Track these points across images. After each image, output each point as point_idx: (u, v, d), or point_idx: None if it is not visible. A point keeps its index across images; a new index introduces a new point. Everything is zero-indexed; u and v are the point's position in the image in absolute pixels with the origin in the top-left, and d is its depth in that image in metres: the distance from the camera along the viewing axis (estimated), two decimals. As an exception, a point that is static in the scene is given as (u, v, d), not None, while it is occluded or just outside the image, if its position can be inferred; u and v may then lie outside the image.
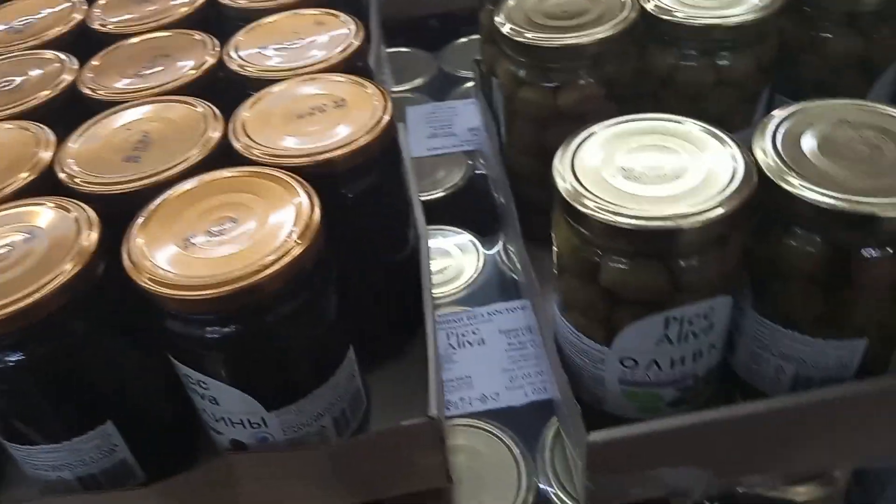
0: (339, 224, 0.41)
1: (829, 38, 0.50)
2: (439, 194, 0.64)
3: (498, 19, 0.50)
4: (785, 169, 0.35)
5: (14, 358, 0.34)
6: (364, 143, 0.40)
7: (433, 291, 0.56)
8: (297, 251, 0.35)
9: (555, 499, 0.43)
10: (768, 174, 0.35)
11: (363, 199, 0.42)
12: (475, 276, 0.57)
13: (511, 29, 0.49)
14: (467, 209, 0.64)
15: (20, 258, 0.35)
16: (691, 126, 0.39)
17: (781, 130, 0.37)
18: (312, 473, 0.41)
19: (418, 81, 0.78)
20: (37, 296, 0.33)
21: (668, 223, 0.34)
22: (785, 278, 0.37)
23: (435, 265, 0.58)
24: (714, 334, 0.39)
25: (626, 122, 0.40)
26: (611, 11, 0.49)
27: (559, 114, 0.49)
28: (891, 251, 0.34)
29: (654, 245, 0.35)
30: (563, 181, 0.36)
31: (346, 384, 0.41)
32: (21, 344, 0.34)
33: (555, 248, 0.40)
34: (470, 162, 0.67)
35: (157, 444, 0.42)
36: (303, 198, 0.37)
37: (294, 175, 0.38)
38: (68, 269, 0.34)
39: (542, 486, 0.44)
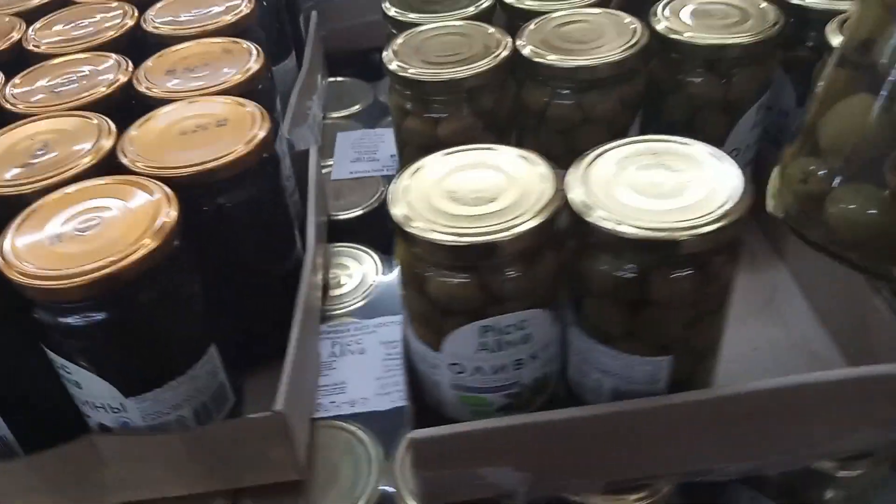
0: (211, 231, 0.46)
1: (692, 81, 0.54)
2: (353, 214, 0.69)
3: (386, 55, 0.54)
4: (588, 202, 0.39)
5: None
6: (234, 157, 0.45)
7: (330, 304, 0.60)
8: (147, 247, 0.39)
9: (398, 499, 0.46)
10: (572, 206, 0.39)
11: (234, 210, 0.46)
12: (371, 290, 0.61)
13: (397, 65, 0.53)
14: (379, 229, 0.68)
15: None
16: (508, 151, 0.43)
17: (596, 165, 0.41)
18: (170, 459, 0.44)
19: (355, 108, 0.83)
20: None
21: (478, 239, 0.38)
22: (595, 297, 0.41)
23: (336, 279, 0.62)
24: (533, 345, 0.42)
25: (454, 153, 0.44)
26: (487, 50, 0.53)
27: (441, 143, 0.54)
28: (682, 273, 0.38)
29: (467, 260, 0.38)
30: (395, 207, 0.40)
31: (206, 379, 0.45)
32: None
33: (396, 264, 0.44)
34: (383, 187, 0.71)
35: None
36: (163, 202, 0.41)
37: (158, 183, 0.42)
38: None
39: (389, 487, 0.47)
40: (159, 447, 0.44)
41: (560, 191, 0.40)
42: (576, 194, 0.39)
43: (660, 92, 0.55)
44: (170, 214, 0.41)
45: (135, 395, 0.42)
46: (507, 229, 0.38)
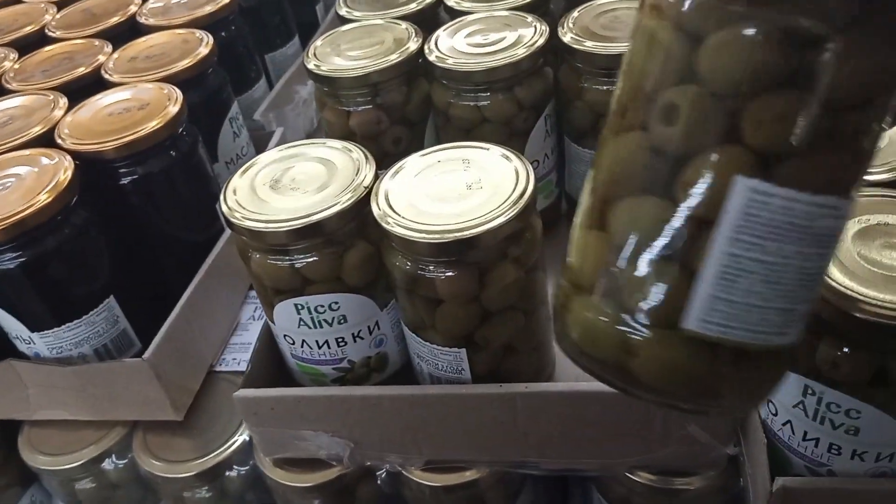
0: (123, 199, 0.54)
1: (591, 88, 0.55)
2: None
3: (308, 54, 0.59)
4: (389, 211, 0.42)
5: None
6: (134, 137, 0.52)
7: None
8: (43, 202, 0.47)
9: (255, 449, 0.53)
10: (374, 213, 0.42)
11: (140, 180, 0.54)
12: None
13: (314, 64, 0.58)
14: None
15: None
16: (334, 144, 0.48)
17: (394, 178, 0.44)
18: (71, 388, 0.53)
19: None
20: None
21: (282, 226, 0.42)
22: (399, 290, 0.44)
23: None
24: (352, 326, 0.46)
25: (286, 148, 0.49)
26: (396, 47, 0.57)
27: (354, 134, 0.58)
28: (459, 273, 0.41)
29: (278, 244, 0.43)
30: (225, 202, 0.45)
31: (105, 325, 0.53)
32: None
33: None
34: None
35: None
36: (63, 167, 0.50)
37: (62, 153, 0.51)
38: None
39: (255, 435, 0.53)
40: (59, 377, 0.52)
41: (366, 185, 0.43)
42: (377, 202, 0.43)
43: (567, 98, 0.57)
44: (65, 176, 0.49)
45: (39, 330, 0.51)
46: (307, 216, 0.42)
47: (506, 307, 0.43)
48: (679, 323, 0.24)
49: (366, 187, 0.43)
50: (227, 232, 0.60)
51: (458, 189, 0.42)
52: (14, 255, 0.48)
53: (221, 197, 0.45)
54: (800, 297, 0.25)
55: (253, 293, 0.64)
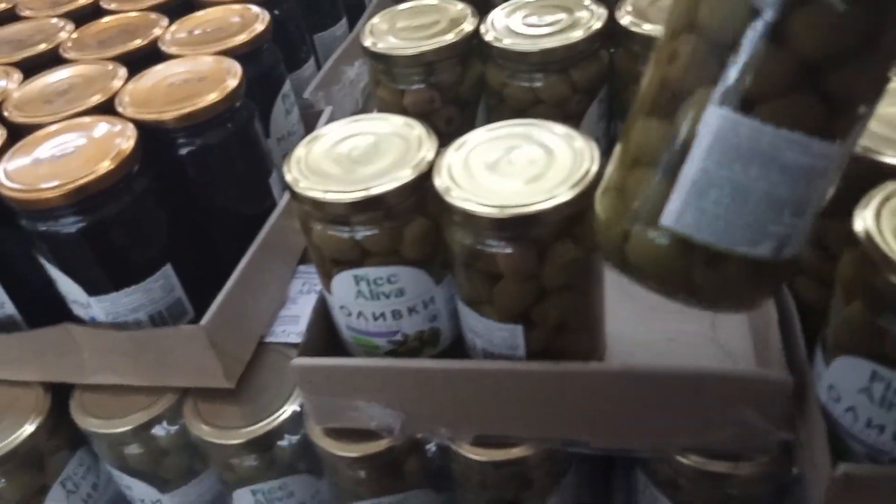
0: (181, 169, 0.54)
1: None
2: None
3: (364, 31, 0.60)
4: (452, 185, 0.42)
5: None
6: (194, 108, 0.53)
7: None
8: (105, 169, 0.48)
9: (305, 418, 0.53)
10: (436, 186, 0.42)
11: (196, 153, 0.54)
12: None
13: (370, 42, 0.58)
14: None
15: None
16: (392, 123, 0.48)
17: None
18: (125, 353, 0.54)
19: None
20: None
21: (344, 197, 0.43)
22: (458, 265, 0.45)
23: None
24: (409, 300, 0.47)
25: (349, 123, 0.49)
26: (448, 28, 0.57)
27: (407, 113, 0.59)
28: (520, 249, 0.41)
29: (339, 215, 0.44)
30: (287, 173, 0.46)
31: (161, 292, 0.54)
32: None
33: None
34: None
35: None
36: (126, 135, 0.50)
37: (125, 120, 0.52)
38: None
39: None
40: (114, 341, 0.53)
41: (428, 159, 0.44)
42: (440, 175, 0.43)
43: (622, 82, 0.57)
44: (127, 144, 0.50)
45: (96, 295, 0.52)
46: (369, 189, 0.43)
47: (564, 285, 0.43)
48: (659, 220, 0.30)
49: (428, 162, 0.44)
50: (280, 206, 0.61)
51: (521, 165, 0.42)
52: (75, 219, 0.49)
53: (285, 166, 0.45)
54: (768, 218, 0.29)
55: (302, 267, 0.65)
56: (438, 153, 0.45)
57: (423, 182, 0.44)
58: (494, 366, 0.46)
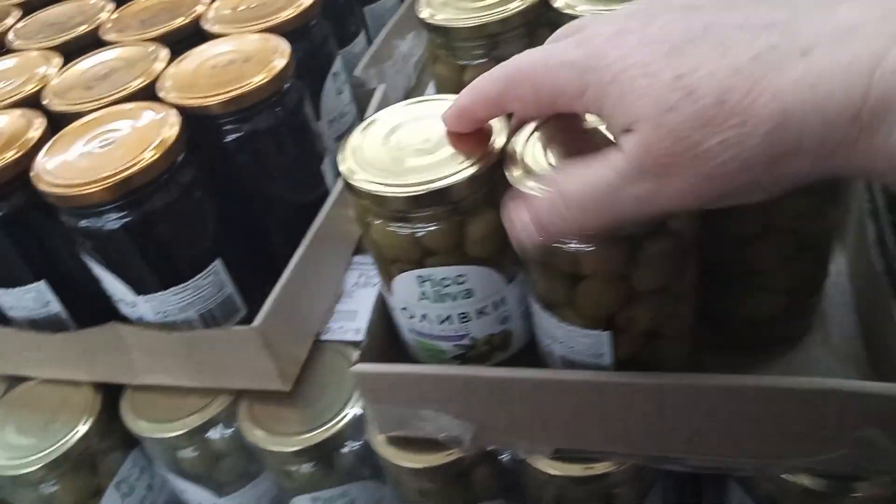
0: (227, 157, 0.50)
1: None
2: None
3: (421, 3, 0.54)
4: (526, 176, 0.36)
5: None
6: (238, 92, 0.49)
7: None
8: (148, 160, 0.44)
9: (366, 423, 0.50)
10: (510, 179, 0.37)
11: (244, 139, 0.50)
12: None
13: (428, 13, 0.53)
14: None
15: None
16: None
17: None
18: (175, 353, 0.51)
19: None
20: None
21: (405, 191, 0.38)
22: (536, 264, 0.40)
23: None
24: (478, 301, 0.42)
25: (411, 105, 0.44)
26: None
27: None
28: (611, 249, 0.36)
29: (399, 210, 0.39)
30: (342, 164, 0.41)
31: (211, 289, 0.50)
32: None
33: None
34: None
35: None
36: (169, 123, 0.47)
37: (170, 106, 0.48)
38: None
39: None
40: (164, 342, 0.50)
41: (496, 148, 0.39)
42: (513, 164, 0.38)
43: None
44: (171, 133, 0.46)
45: (144, 294, 0.49)
46: (433, 182, 0.38)
47: (657, 288, 0.38)
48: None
49: (499, 150, 0.39)
50: (334, 194, 0.57)
51: (607, 151, 0.37)
52: (119, 214, 0.45)
53: (340, 156, 0.41)
54: None
55: (357, 258, 0.61)
56: (509, 140, 0.40)
57: (494, 173, 0.39)
58: (579, 376, 0.41)
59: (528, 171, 0.36)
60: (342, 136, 0.64)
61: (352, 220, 0.60)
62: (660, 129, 0.27)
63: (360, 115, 0.66)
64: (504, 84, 0.35)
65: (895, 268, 0.42)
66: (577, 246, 0.36)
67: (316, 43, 0.59)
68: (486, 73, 0.36)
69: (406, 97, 0.78)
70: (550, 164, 0.36)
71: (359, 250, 0.62)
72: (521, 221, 0.33)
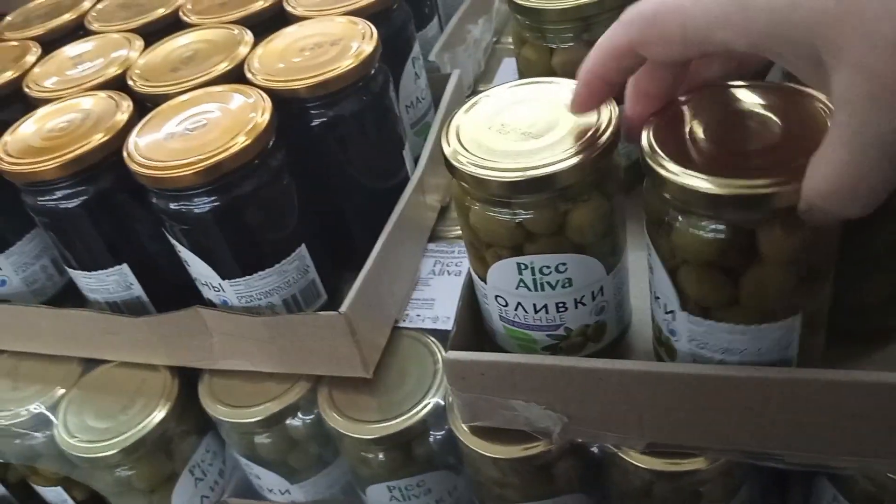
0: (311, 141, 0.50)
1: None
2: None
3: (507, -18, 0.53)
4: (663, 156, 0.35)
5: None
6: (327, 77, 0.48)
7: (445, 225, 0.62)
8: (241, 144, 0.44)
9: (449, 412, 0.49)
10: (648, 161, 0.36)
11: (330, 124, 0.50)
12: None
13: (516, -8, 0.52)
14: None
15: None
16: (569, 84, 0.41)
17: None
18: (258, 338, 0.51)
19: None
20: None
21: (511, 175, 0.37)
22: (688, 265, 0.37)
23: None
24: (577, 291, 0.41)
25: (516, 86, 0.43)
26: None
27: (554, 73, 0.52)
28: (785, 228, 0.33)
29: (501, 195, 0.39)
30: (445, 144, 0.40)
31: (295, 274, 0.50)
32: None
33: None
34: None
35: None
36: (261, 107, 0.46)
37: (260, 90, 0.47)
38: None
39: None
40: (248, 326, 0.50)
41: (610, 131, 0.38)
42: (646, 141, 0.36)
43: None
44: (262, 118, 0.45)
45: (230, 278, 0.49)
46: (541, 167, 0.37)
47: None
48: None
49: (611, 134, 0.38)
50: (413, 181, 0.56)
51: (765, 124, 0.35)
52: (209, 199, 0.45)
53: (443, 136, 0.40)
54: None
55: (432, 245, 0.60)
56: (618, 126, 0.39)
57: (600, 161, 0.38)
58: (683, 370, 0.40)
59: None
60: (418, 123, 0.63)
61: (428, 208, 0.60)
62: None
63: (435, 102, 0.65)
64: (641, 25, 0.33)
65: None
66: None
67: (397, 26, 0.58)
68: (607, 31, 0.34)
69: (475, 83, 0.77)
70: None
71: (433, 238, 0.61)
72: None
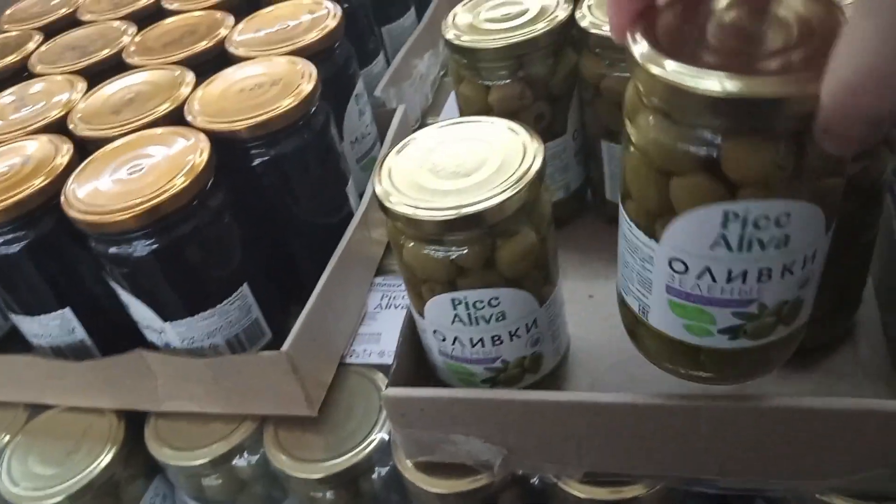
0: (252, 181, 0.50)
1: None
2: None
3: (446, 23, 0.55)
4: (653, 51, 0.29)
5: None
6: (265, 117, 0.49)
7: (393, 259, 0.63)
8: (178, 187, 0.44)
9: (394, 448, 0.49)
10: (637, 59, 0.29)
11: (271, 163, 0.50)
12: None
13: (453, 34, 0.53)
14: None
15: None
16: (499, 123, 0.43)
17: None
18: (201, 380, 0.51)
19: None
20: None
21: (442, 214, 0.38)
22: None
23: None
24: (511, 324, 0.42)
25: (447, 126, 0.44)
26: (536, 19, 0.52)
27: (491, 109, 0.54)
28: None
29: (433, 233, 0.39)
30: (377, 185, 0.41)
31: (238, 314, 0.50)
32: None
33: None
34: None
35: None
36: (199, 148, 0.47)
37: (199, 132, 0.48)
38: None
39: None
40: (191, 368, 0.50)
41: (529, 169, 0.39)
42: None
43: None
44: (200, 159, 0.46)
45: (171, 320, 0.49)
46: (470, 205, 0.38)
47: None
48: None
49: (536, 172, 0.39)
50: (358, 215, 0.57)
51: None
52: (148, 242, 0.45)
53: (376, 177, 0.41)
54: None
55: (379, 279, 0.61)
56: (545, 161, 0.40)
57: (528, 195, 0.39)
58: (613, 398, 0.40)
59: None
60: (364, 157, 0.64)
61: (375, 242, 0.61)
62: None
63: (381, 136, 0.66)
64: None
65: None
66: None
67: (340, 64, 0.59)
68: None
69: (423, 116, 0.78)
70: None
71: (381, 271, 0.62)
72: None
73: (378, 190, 0.40)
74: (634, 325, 0.38)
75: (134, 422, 0.56)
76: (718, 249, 0.31)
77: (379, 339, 0.56)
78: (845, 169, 0.31)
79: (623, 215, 0.35)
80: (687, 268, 0.33)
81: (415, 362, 0.48)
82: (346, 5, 0.65)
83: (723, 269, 0.32)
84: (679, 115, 0.29)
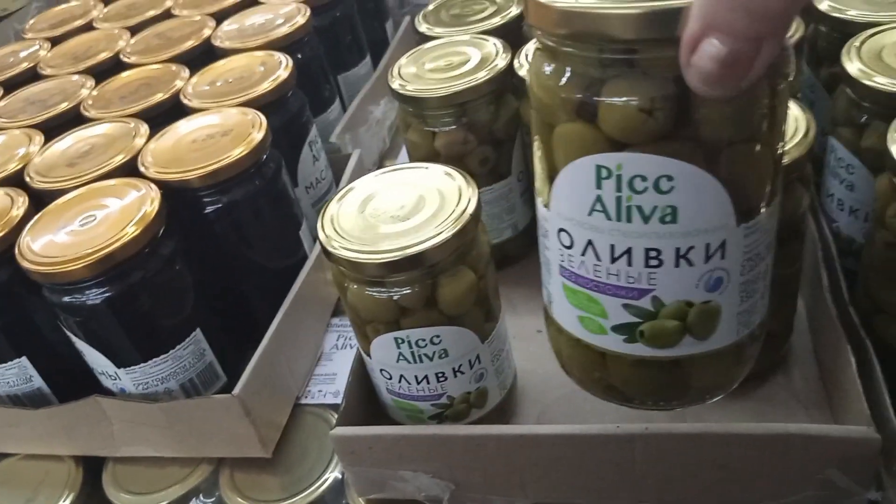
0: (205, 228, 0.52)
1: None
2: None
3: (392, 73, 0.57)
4: None
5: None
6: (217, 166, 0.50)
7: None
8: (129, 236, 0.46)
9: (347, 487, 0.50)
10: None
11: (223, 210, 0.52)
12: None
13: (398, 84, 0.56)
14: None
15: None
16: (436, 169, 0.44)
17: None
18: (156, 424, 0.51)
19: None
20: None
21: (382, 257, 0.40)
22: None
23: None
24: (455, 360, 0.44)
25: (386, 173, 0.46)
26: (478, 68, 0.54)
27: (437, 154, 0.56)
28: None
29: (377, 275, 0.41)
30: (322, 230, 0.43)
31: (192, 358, 0.51)
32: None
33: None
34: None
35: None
36: (149, 198, 0.48)
37: (150, 182, 0.49)
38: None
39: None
40: (145, 413, 0.51)
41: (470, 212, 0.41)
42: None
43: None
44: (151, 209, 0.47)
45: (125, 366, 0.50)
46: (409, 247, 0.40)
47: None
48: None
49: (471, 214, 0.41)
50: (312, 258, 0.58)
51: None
52: (100, 290, 0.46)
53: (319, 224, 0.43)
54: None
55: (336, 320, 0.62)
56: (479, 203, 0.42)
57: (464, 235, 0.41)
58: (552, 430, 0.42)
59: None
60: (319, 202, 0.66)
61: (330, 283, 0.62)
62: None
63: (337, 180, 0.68)
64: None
65: (849, 313, 0.44)
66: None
67: (293, 113, 0.61)
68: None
69: (381, 160, 0.80)
70: None
71: (337, 312, 0.63)
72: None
73: (321, 236, 0.42)
74: (548, 324, 0.36)
75: (92, 467, 0.56)
76: (597, 216, 0.28)
77: (334, 380, 0.57)
78: (750, 132, 0.27)
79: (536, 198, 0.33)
80: (572, 240, 0.30)
81: (366, 401, 0.49)
82: (299, 56, 0.67)
83: (605, 244, 0.29)
84: (556, 48, 0.27)
